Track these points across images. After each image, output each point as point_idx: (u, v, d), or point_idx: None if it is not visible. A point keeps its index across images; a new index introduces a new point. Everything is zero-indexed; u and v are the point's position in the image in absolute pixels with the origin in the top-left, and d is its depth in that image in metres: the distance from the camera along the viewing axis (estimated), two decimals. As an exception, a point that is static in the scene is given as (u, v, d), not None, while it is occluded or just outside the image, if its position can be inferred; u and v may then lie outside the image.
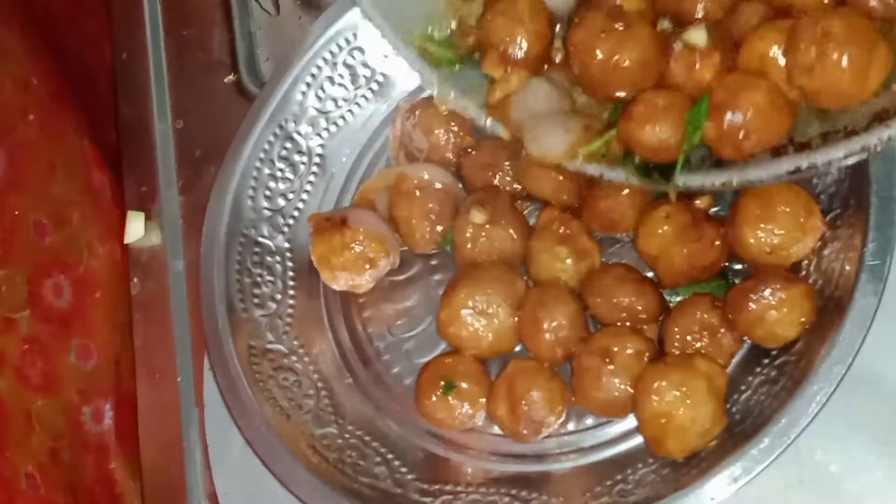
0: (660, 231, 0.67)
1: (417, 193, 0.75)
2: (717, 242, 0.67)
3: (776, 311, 0.63)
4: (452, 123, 0.77)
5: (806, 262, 0.66)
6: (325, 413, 0.74)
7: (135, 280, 0.85)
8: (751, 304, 0.64)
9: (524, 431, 0.69)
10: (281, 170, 0.81)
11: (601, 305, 0.69)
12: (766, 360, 0.66)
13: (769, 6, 0.61)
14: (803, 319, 0.64)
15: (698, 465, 0.63)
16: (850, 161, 0.55)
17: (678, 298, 0.69)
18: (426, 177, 0.76)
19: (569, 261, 0.70)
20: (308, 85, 0.81)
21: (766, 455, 0.60)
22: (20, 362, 0.72)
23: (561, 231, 0.71)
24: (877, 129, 0.53)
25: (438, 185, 0.76)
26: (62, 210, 0.81)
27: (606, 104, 0.65)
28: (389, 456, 0.73)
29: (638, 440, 0.68)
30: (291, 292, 0.79)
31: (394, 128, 0.80)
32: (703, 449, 0.63)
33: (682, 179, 0.60)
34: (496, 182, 0.75)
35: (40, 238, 0.77)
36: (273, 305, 0.78)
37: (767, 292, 0.63)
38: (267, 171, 0.80)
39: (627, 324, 0.68)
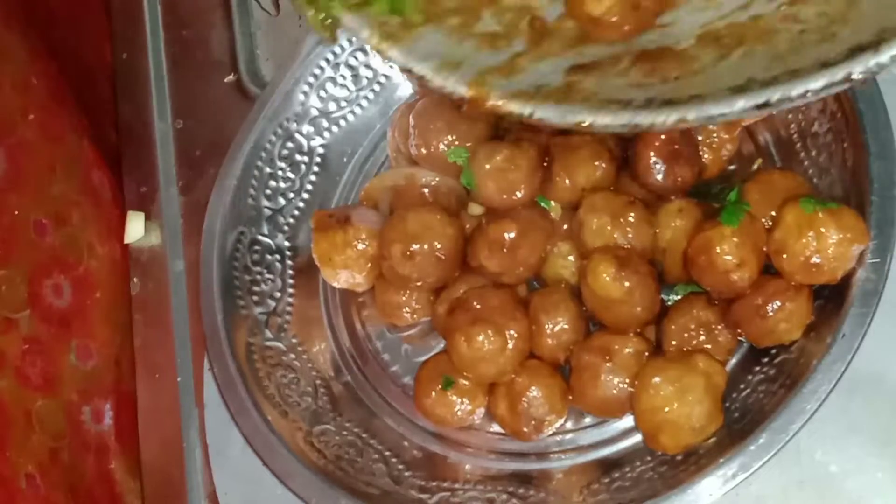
0: (672, 224, 0.68)
1: (427, 194, 0.75)
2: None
3: (786, 322, 0.64)
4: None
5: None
6: (324, 410, 0.74)
7: (135, 280, 0.85)
8: (761, 320, 0.64)
9: (525, 430, 0.68)
10: (282, 169, 0.81)
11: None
12: (766, 359, 0.66)
13: None
14: (807, 322, 0.64)
15: (696, 462, 0.62)
16: (833, 91, 0.46)
17: (675, 298, 0.69)
18: (435, 180, 0.76)
19: (571, 258, 0.70)
20: (310, 85, 0.81)
21: (764, 452, 0.60)
22: (20, 362, 0.72)
23: (564, 227, 0.71)
24: (859, 56, 0.45)
25: (446, 189, 0.76)
26: (62, 210, 0.81)
27: None
28: (387, 453, 0.73)
29: (636, 438, 0.68)
30: (291, 290, 0.79)
31: (391, 131, 0.80)
32: (701, 446, 0.63)
33: (630, 117, 0.50)
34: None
35: (40, 238, 0.77)
36: (272, 303, 0.78)
37: (776, 305, 0.63)
38: (268, 169, 0.80)
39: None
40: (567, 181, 0.69)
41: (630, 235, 0.67)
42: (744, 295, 0.64)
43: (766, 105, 0.47)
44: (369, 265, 0.74)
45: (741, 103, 0.47)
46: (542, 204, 0.71)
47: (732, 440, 0.62)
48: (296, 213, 0.81)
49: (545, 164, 0.69)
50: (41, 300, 0.76)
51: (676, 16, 0.53)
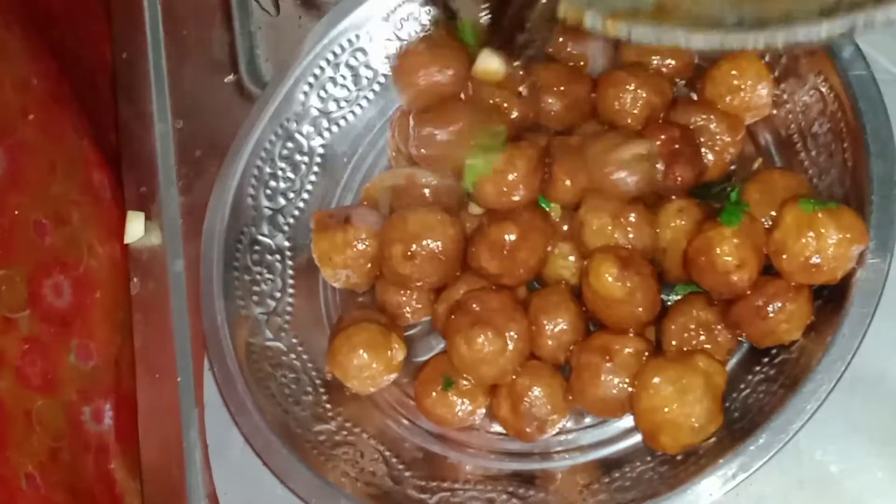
0: (672, 224, 0.68)
1: (427, 194, 0.75)
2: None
3: (787, 323, 0.64)
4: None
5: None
6: (323, 410, 0.74)
7: (135, 280, 0.86)
8: (761, 320, 0.64)
9: (528, 430, 0.68)
10: (282, 169, 0.81)
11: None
12: (766, 359, 0.66)
13: None
14: (807, 322, 0.64)
15: (696, 462, 0.62)
16: None
17: (675, 297, 0.69)
18: (435, 180, 0.76)
19: (571, 258, 0.70)
20: (310, 85, 0.81)
21: (763, 452, 0.60)
22: (20, 362, 0.72)
23: (564, 228, 0.71)
24: None
25: (446, 189, 0.75)
26: (62, 210, 0.81)
27: None
28: (387, 453, 0.72)
29: (636, 438, 0.68)
30: (291, 290, 0.79)
31: (391, 131, 0.80)
32: (701, 446, 0.63)
33: (721, 39, 0.53)
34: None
35: (40, 238, 0.77)
36: (272, 303, 0.78)
37: (777, 306, 0.63)
38: (268, 169, 0.80)
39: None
40: (567, 182, 0.69)
41: (631, 235, 0.67)
42: (744, 295, 0.64)
43: (851, 31, 0.48)
44: (369, 265, 0.74)
45: (826, 27, 0.48)
46: (543, 205, 0.71)
47: (732, 440, 0.62)
48: (296, 213, 0.81)
49: (545, 165, 0.69)
50: (41, 300, 0.76)
51: None
